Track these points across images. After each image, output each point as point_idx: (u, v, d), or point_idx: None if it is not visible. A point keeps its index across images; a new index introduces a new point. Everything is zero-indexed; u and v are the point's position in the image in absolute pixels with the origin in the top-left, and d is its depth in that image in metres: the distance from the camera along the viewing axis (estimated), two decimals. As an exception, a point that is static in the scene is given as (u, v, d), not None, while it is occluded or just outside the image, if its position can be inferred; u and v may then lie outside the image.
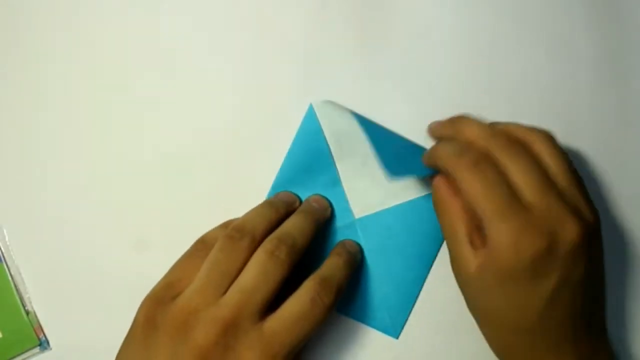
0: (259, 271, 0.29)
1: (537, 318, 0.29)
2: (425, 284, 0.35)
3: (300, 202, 0.35)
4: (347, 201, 0.35)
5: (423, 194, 0.35)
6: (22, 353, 0.35)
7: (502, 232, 0.28)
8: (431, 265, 0.35)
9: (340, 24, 0.37)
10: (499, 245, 0.28)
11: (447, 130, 0.33)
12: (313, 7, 0.37)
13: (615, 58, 0.37)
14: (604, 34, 0.37)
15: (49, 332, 0.36)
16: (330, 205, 0.35)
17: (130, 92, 0.37)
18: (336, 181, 0.35)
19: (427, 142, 0.36)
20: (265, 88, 0.37)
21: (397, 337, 0.35)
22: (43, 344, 0.35)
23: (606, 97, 0.37)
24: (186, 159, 0.36)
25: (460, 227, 0.30)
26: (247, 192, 0.36)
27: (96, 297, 0.35)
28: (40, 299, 0.36)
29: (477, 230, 0.29)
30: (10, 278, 0.36)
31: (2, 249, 0.36)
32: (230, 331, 0.28)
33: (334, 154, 0.35)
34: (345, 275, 0.32)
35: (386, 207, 0.35)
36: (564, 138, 0.36)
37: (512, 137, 0.30)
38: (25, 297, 0.36)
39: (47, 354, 0.35)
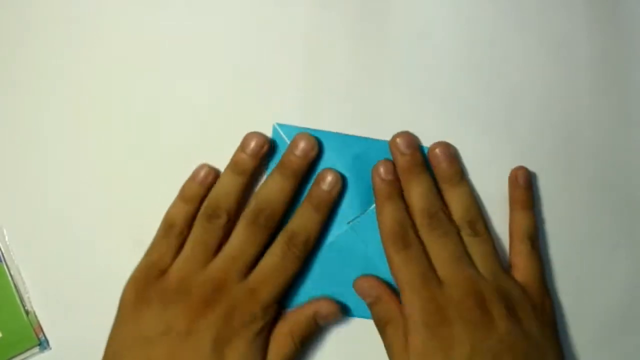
0: (242, 240, 0.32)
1: None
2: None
3: (271, 144, 0.35)
4: (336, 211, 0.35)
5: None
6: (22, 353, 0.35)
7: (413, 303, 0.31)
8: None
9: (340, 24, 0.37)
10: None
11: (407, 172, 0.34)
12: (313, 7, 0.37)
13: (615, 58, 0.37)
14: (604, 34, 0.37)
15: (49, 332, 0.35)
16: (319, 144, 0.35)
17: (131, 92, 0.37)
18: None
19: (426, 141, 0.36)
20: (265, 88, 0.37)
21: None
22: (43, 344, 0.35)
23: (606, 97, 0.37)
24: (186, 159, 0.36)
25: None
26: (247, 192, 0.36)
27: (96, 297, 0.35)
28: (40, 299, 0.36)
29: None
30: (10, 278, 0.36)
31: (2, 249, 0.36)
32: (219, 289, 0.31)
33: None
34: (315, 224, 0.33)
35: (372, 205, 0.35)
36: (564, 138, 0.36)
37: (443, 229, 0.33)
38: (25, 297, 0.36)
39: (47, 354, 0.35)
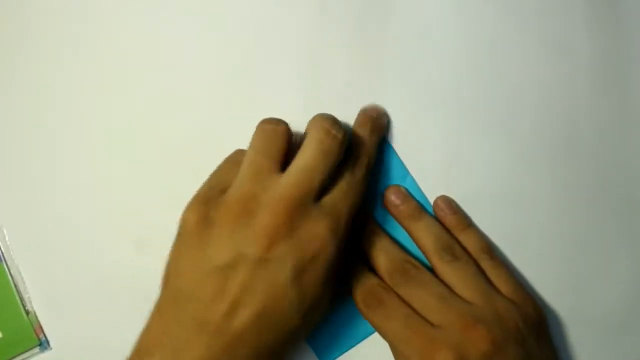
0: (319, 149, 0.29)
1: None
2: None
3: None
4: None
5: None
6: (22, 353, 0.35)
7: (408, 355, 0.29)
8: None
9: (340, 24, 0.37)
10: None
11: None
12: (313, 8, 0.37)
13: (615, 58, 0.37)
14: (604, 34, 0.37)
15: (49, 332, 0.36)
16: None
17: (130, 93, 0.37)
18: None
19: (426, 141, 0.36)
20: (264, 88, 0.37)
21: None
22: (43, 344, 0.35)
23: (606, 97, 0.37)
24: (186, 159, 0.36)
25: None
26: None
27: (96, 297, 0.35)
28: (40, 299, 0.36)
29: None
30: (10, 278, 0.36)
31: (2, 249, 0.36)
32: (295, 210, 0.28)
33: None
34: (372, 146, 0.33)
35: None
36: (564, 138, 0.36)
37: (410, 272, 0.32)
38: (25, 297, 0.36)
39: (47, 354, 0.35)
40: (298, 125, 0.36)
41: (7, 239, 0.36)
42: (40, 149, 0.37)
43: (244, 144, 0.36)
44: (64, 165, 0.37)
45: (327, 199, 0.30)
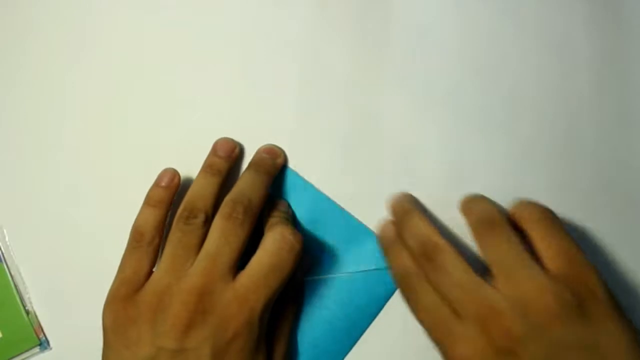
0: (220, 235, 0.30)
1: None
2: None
3: (241, 148, 0.35)
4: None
5: (362, 269, 0.34)
6: (22, 353, 0.35)
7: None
8: (356, 342, 0.34)
9: (340, 24, 0.37)
10: None
11: (396, 220, 0.33)
12: (313, 8, 0.37)
13: (615, 58, 0.37)
14: (604, 34, 0.37)
15: (49, 332, 0.36)
16: (284, 152, 0.35)
17: (131, 94, 0.37)
18: None
19: (426, 141, 0.36)
20: (264, 88, 0.37)
21: None
22: (43, 344, 0.35)
23: (606, 97, 0.37)
24: (186, 158, 0.36)
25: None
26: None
27: (96, 297, 0.35)
28: (40, 299, 0.36)
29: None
30: (10, 278, 0.36)
31: (2, 249, 0.36)
32: (205, 296, 0.29)
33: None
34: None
35: (326, 276, 0.35)
36: (563, 138, 0.36)
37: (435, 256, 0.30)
38: (25, 297, 0.36)
39: (47, 354, 0.35)
40: (298, 124, 0.36)
41: (7, 239, 0.36)
42: (40, 149, 0.37)
43: (244, 144, 0.36)
44: (64, 166, 0.37)
45: (243, 279, 0.30)
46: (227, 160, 0.34)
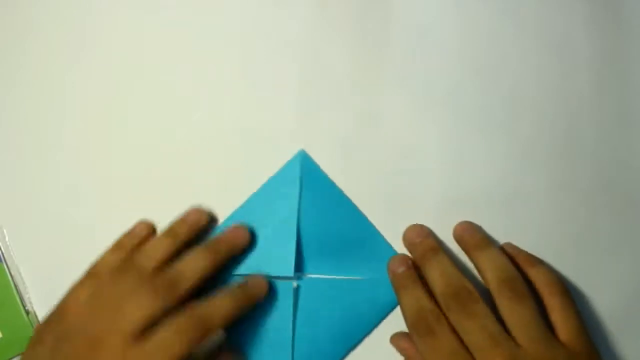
0: (132, 297, 0.30)
1: None
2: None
3: (211, 219, 0.35)
4: (292, 256, 0.34)
5: (370, 276, 0.34)
6: (22, 353, 0.35)
7: None
8: (352, 347, 0.34)
9: (340, 24, 0.37)
10: None
11: (417, 255, 0.34)
12: (313, 8, 0.37)
13: (615, 58, 0.37)
14: (604, 34, 0.37)
15: (49, 332, 0.35)
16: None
17: (131, 94, 0.37)
18: (292, 233, 0.34)
19: (426, 141, 0.36)
20: (264, 88, 0.37)
21: None
22: (43, 344, 0.35)
23: (606, 97, 0.37)
24: (186, 161, 0.36)
25: None
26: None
27: (96, 297, 0.35)
28: (40, 299, 0.36)
29: None
30: (10, 278, 0.36)
31: (2, 249, 0.36)
32: (97, 346, 0.29)
33: (302, 206, 0.35)
34: (228, 315, 0.31)
35: (330, 277, 0.34)
36: (563, 138, 0.36)
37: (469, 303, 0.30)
38: (25, 297, 0.36)
39: (47, 354, 0.35)
40: (298, 124, 0.36)
41: (7, 239, 0.36)
42: (40, 149, 0.37)
43: (244, 143, 0.36)
44: (64, 166, 0.37)
45: (147, 345, 0.29)
46: (190, 229, 0.34)
